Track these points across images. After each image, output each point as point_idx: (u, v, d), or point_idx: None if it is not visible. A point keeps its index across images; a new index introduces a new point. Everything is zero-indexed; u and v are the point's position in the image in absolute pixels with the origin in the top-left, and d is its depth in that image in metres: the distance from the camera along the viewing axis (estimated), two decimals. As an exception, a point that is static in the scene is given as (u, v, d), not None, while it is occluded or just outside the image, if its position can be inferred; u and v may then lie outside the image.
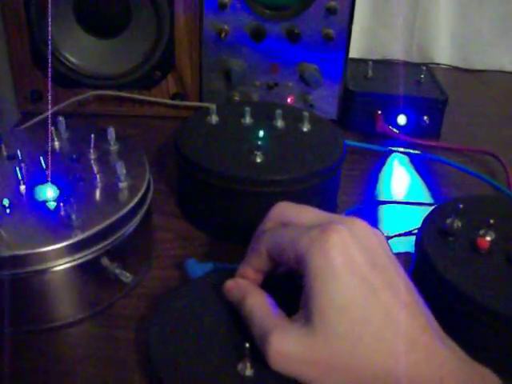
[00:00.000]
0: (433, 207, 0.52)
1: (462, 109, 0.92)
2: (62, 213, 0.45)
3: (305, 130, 0.64)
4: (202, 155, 0.58)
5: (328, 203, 0.63)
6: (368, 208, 0.67)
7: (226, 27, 0.77)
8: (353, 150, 0.73)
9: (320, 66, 0.80)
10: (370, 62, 0.86)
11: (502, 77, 1.13)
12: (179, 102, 0.81)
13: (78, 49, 0.78)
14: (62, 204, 0.45)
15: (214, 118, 0.64)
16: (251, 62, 0.80)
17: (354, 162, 0.74)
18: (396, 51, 1.12)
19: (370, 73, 0.85)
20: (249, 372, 0.37)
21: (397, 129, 0.80)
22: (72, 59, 0.78)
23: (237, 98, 0.80)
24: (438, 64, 1.13)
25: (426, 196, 0.70)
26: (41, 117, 0.71)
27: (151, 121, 0.82)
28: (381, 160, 0.77)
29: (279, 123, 0.64)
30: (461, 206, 0.46)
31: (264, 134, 0.61)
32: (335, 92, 0.82)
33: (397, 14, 1.10)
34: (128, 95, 0.80)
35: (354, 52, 1.00)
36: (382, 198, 0.69)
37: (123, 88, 0.80)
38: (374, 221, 0.65)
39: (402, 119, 0.81)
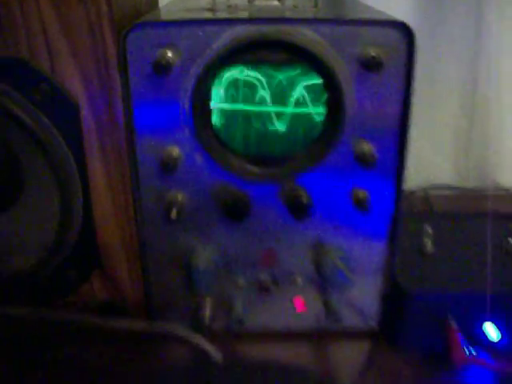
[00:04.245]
0: None
1: None
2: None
3: None
4: None
5: None
6: None
7: (179, 197, 0.44)
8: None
9: (346, 250, 0.47)
10: (429, 229, 0.52)
11: None
12: (112, 320, 0.47)
13: None
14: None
15: None
16: (228, 248, 0.47)
17: None
18: (447, 175, 0.80)
19: (430, 246, 0.52)
20: None
21: (483, 346, 0.46)
22: None
23: (207, 319, 0.46)
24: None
25: None
26: None
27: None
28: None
29: None
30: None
31: None
32: (374, 287, 0.49)
33: (446, 127, 0.78)
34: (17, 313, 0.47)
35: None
36: None
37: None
38: None
39: (491, 331, 0.47)
